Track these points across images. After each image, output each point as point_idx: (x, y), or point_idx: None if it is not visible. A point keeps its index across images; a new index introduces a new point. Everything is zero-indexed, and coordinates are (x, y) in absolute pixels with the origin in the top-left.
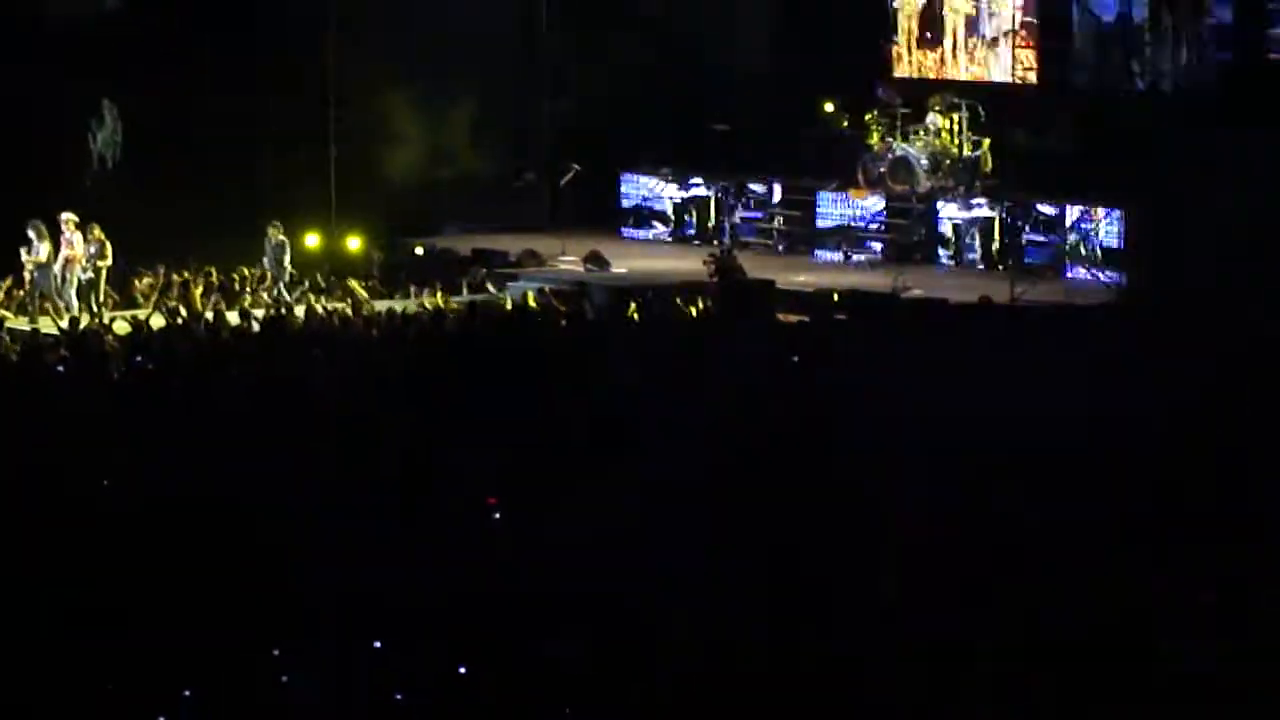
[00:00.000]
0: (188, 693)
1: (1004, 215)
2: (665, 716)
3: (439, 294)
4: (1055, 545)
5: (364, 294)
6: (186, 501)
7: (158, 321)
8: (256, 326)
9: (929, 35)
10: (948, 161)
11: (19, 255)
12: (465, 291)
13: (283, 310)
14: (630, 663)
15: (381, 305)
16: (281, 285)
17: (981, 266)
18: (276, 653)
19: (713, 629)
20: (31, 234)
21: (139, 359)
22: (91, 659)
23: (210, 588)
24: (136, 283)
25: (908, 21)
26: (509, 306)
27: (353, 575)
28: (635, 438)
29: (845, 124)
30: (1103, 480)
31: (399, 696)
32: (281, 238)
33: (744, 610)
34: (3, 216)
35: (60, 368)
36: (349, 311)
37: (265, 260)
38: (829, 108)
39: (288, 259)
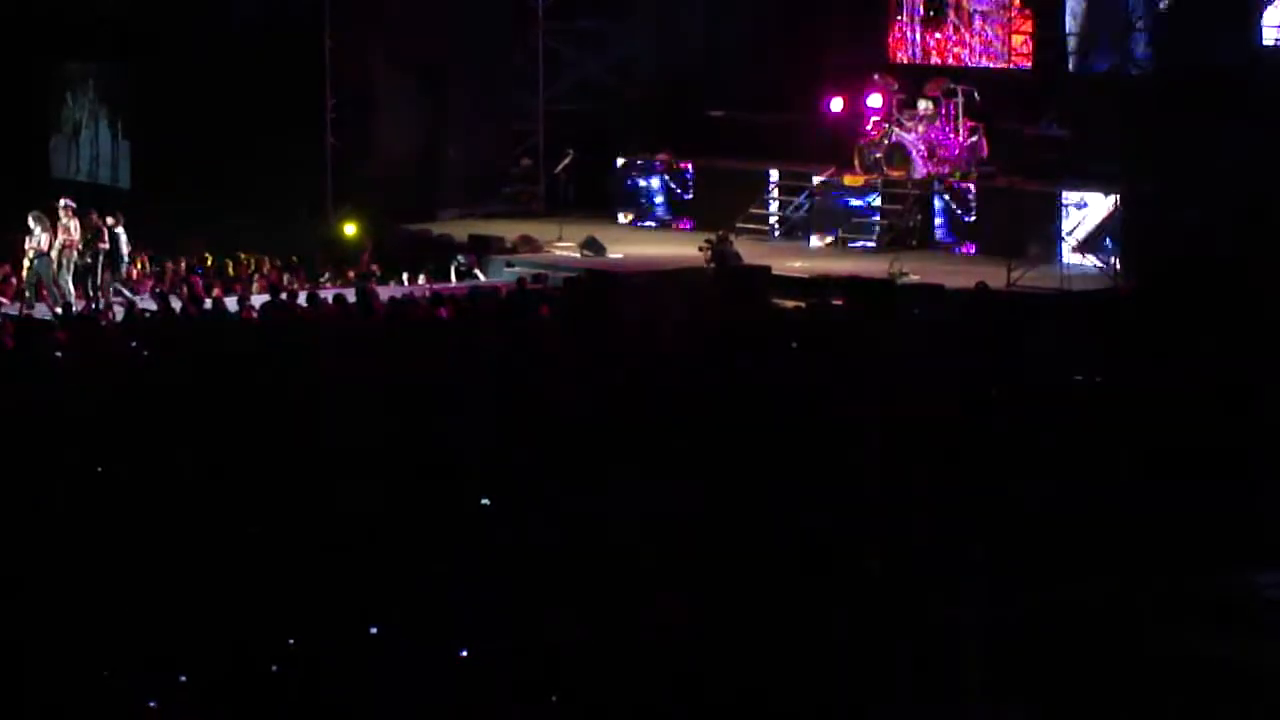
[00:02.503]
0: (183, 678)
1: None
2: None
3: (429, 280)
4: (1048, 525)
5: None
6: (184, 486)
7: (153, 307)
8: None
9: (932, 15)
10: (943, 148)
11: (21, 243)
12: (453, 277)
13: (103, 303)
14: (622, 647)
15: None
16: (117, 279)
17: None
18: (274, 639)
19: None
20: (32, 223)
21: (134, 344)
22: (87, 645)
23: (205, 576)
24: (132, 270)
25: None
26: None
27: (351, 564)
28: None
29: (841, 110)
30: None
31: (400, 682)
32: (119, 229)
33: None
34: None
35: (57, 353)
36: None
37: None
38: (825, 93)
39: (125, 249)
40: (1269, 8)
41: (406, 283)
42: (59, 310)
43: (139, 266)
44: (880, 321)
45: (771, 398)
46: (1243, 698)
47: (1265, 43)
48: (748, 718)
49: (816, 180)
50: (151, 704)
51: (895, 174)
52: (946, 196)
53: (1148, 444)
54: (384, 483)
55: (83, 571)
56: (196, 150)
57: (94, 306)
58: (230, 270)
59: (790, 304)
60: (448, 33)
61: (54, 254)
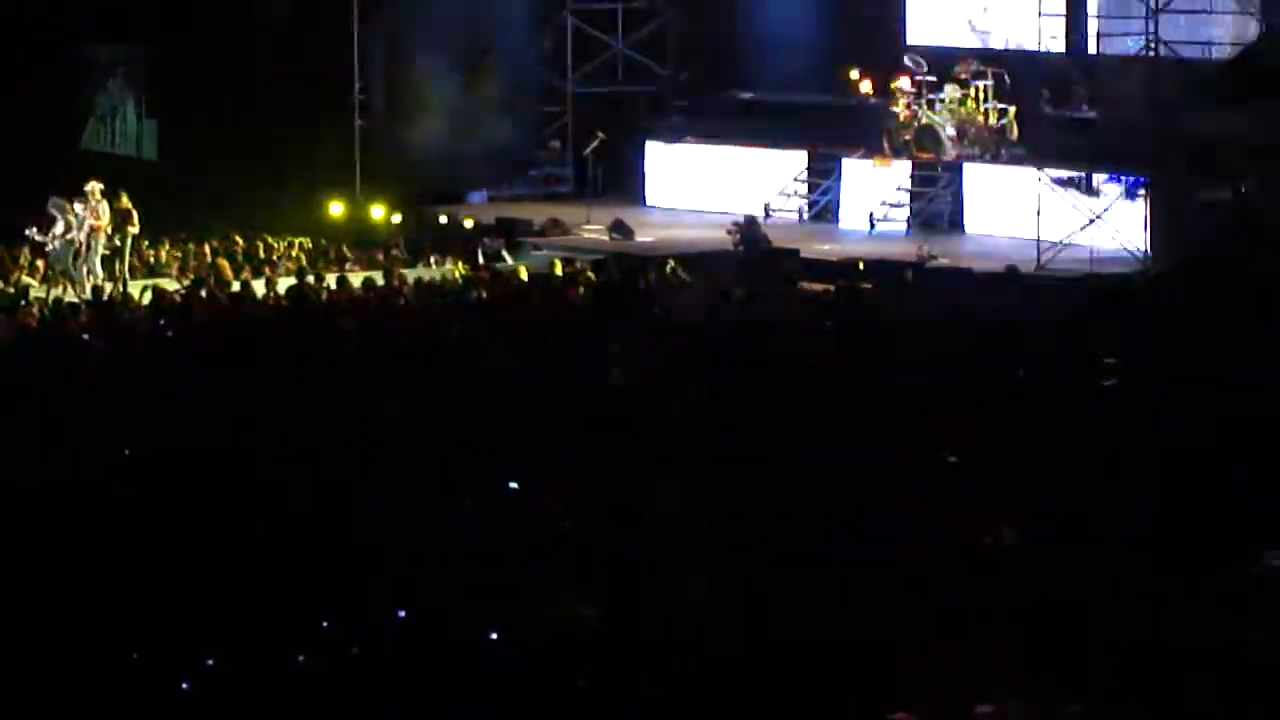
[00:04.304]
0: (210, 661)
1: None
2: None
3: (457, 264)
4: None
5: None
6: (212, 470)
7: (179, 289)
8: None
9: None
10: (973, 130)
11: (46, 228)
12: (481, 261)
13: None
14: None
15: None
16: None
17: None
18: (303, 622)
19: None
20: (54, 210)
21: (161, 322)
22: (117, 626)
23: (233, 558)
24: (159, 251)
25: None
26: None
27: (377, 546)
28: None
29: (871, 92)
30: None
31: (421, 663)
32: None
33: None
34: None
35: (85, 335)
36: (378, 281)
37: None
38: (854, 75)
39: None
40: None
41: (434, 266)
42: (86, 293)
43: (166, 248)
44: (908, 304)
45: (798, 378)
46: (1265, 683)
47: None
48: (768, 701)
49: (846, 162)
50: (184, 685)
51: (925, 156)
52: None
53: (1172, 427)
54: (411, 465)
55: (110, 553)
56: (224, 133)
57: (122, 289)
58: (259, 253)
59: (819, 287)
60: (476, 15)
61: (81, 236)
